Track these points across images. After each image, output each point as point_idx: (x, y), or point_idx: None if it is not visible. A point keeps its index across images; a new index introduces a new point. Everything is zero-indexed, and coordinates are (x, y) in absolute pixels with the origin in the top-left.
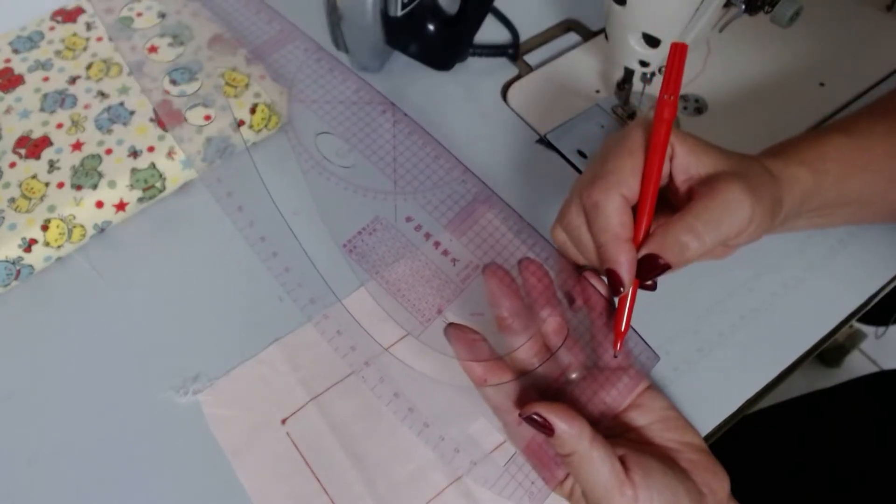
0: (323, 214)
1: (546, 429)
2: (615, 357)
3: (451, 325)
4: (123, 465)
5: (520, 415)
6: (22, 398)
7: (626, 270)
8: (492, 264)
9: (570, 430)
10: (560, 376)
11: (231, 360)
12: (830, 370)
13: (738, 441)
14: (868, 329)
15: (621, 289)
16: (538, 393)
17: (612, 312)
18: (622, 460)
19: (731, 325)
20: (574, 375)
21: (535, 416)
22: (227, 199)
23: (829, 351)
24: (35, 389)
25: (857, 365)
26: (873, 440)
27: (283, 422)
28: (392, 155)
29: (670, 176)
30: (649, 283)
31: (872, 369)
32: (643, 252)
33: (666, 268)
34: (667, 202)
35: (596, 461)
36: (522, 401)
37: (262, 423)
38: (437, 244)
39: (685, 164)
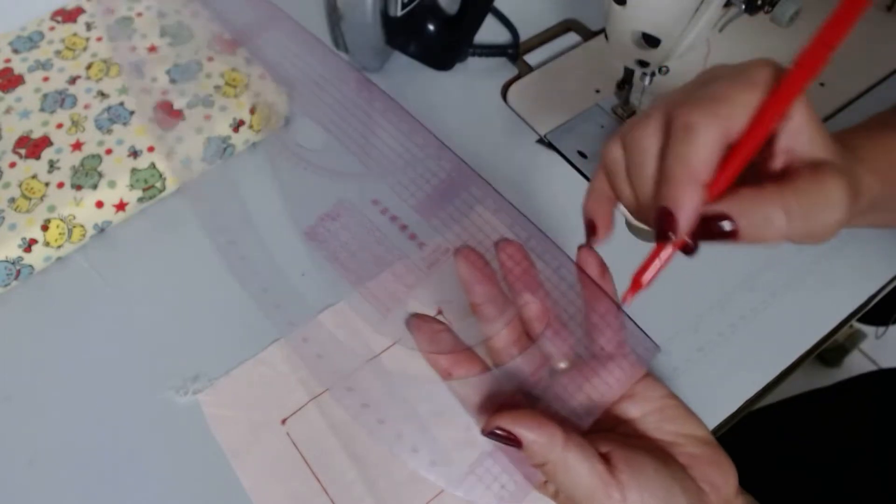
0: (287, 199)
1: (512, 442)
2: (619, 308)
3: (412, 315)
4: (123, 465)
5: (482, 431)
6: (22, 398)
7: (685, 217)
8: (464, 247)
9: (538, 439)
10: (541, 367)
11: (231, 360)
12: (830, 370)
13: (736, 438)
14: (868, 329)
15: (670, 236)
16: (515, 385)
17: (606, 294)
18: (608, 458)
19: (730, 325)
20: (562, 365)
21: (498, 431)
22: (210, 217)
23: (829, 351)
24: (35, 389)
25: (857, 365)
26: (872, 438)
27: (283, 422)
28: (362, 132)
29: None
30: (692, 244)
31: (872, 369)
32: (716, 209)
33: (731, 236)
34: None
35: (573, 466)
36: (495, 395)
37: (262, 423)
38: (403, 227)
39: (796, 133)
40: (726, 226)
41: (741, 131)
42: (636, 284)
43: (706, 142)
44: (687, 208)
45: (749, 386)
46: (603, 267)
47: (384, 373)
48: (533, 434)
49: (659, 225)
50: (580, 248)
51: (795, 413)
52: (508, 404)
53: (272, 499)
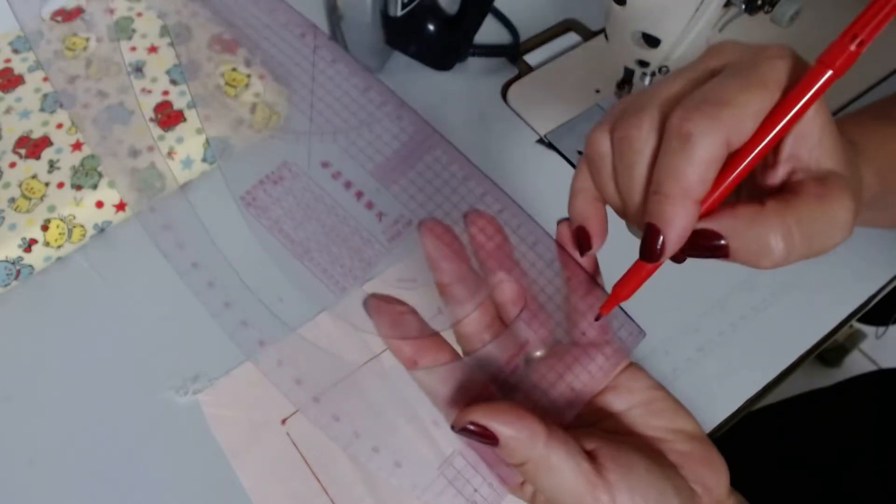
0: (220, 161)
1: (487, 438)
2: (596, 319)
3: (372, 296)
4: (123, 465)
5: (452, 427)
6: (22, 398)
7: (675, 238)
8: (429, 219)
9: (517, 435)
10: (516, 355)
11: (231, 360)
12: (830, 370)
13: (736, 438)
14: (868, 329)
15: (657, 256)
16: (488, 376)
17: (588, 274)
18: (594, 456)
19: (731, 325)
20: (538, 354)
21: (471, 426)
22: (164, 232)
23: (829, 351)
24: (35, 389)
25: (857, 365)
26: (872, 438)
27: (283, 422)
28: (309, 87)
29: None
30: (680, 257)
31: (872, 369)
32: (709, 227)
33: (722, 256)
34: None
35: (556, 466)
36: (467, 386)
37: (262, 423)
38: (359, 195)
39: (805, 139)
40: (718, 245)
41: (746, 139)
42: (616, 296)
43: (704, 156)
44: (677, 228)
45: (749, 386)
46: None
47: (338, 362)
48: (511, 429)
49: (646, 242)
50: (560, 222)
51: (795, 413)
52: (482, 396)
53: (272, 499)
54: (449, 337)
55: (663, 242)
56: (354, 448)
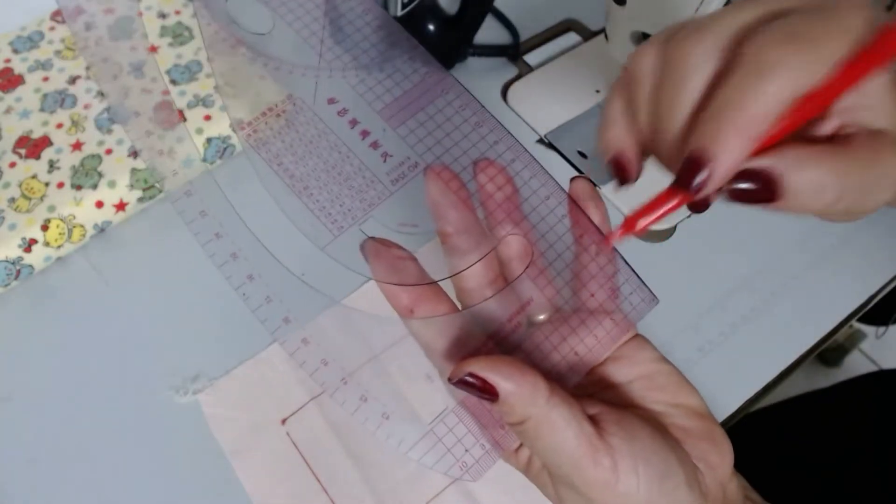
0: (223, 93)
1: (486, 393)
2: (609, 239)
3: (370, 239)
4: (123, 465)
5: (449, 378)
6: (22, 398)
7: (723, 171)
8: (436, 164)
9: (518, 391)
10: (518, 312)
11: (231, 360)
12: (830, 370)
13: (736, 438)
14: (868, 329)
15: (694, 189)
16: (488, 332)
17: (601, 233)
18: (596, 420)
19: (731, 325)
20: (541, 317)
21: (469, 379)
22: (201, 219)
23: (829, 351)
24: (35, 389)
25: (857, 365)
26: (872, 438)
27: (283, 422)
28: (321, 22)
29: None
30: (710, 201)
31: (872, 369)
32: (760, 164)
33: (767, 198)
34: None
35: (557, 425)
36: (465, 341)
37: (262, 423)
38: (364, 133)
39: (866, 93)
40: (771, 180)
41: (815, 86)
42: (629, 225)
43: (777, 91)
44: (727, 162)
45: (749, 386)
46: (599, 202)
47: (330, 304)
48: (512, 383)
49: (686, 170)
50: (573, 179)
51: (795, 413)
52: (480, 352)
53: (272, 499)
54: (450, 293)
55: (708, 175)
56: (341, 395)
